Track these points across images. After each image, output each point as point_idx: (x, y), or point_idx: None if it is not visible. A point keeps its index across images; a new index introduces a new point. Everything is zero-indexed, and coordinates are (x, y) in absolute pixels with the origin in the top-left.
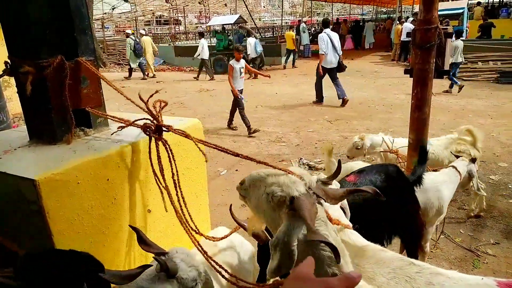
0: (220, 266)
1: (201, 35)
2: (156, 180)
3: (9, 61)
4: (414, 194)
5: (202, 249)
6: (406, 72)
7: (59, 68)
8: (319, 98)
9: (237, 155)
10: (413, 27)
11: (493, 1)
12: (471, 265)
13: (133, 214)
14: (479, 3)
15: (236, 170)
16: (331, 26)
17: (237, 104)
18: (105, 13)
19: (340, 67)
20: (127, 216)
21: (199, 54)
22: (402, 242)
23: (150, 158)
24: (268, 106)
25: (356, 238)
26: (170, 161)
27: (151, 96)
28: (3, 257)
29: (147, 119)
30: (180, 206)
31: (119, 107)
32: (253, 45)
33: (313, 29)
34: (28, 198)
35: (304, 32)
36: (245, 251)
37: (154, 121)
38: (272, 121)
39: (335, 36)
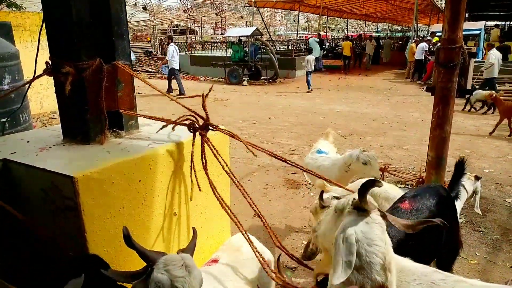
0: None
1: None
2: (191, 176)
3: (50, 61)
4: (456, 212)
5: (248, 236)
6: (428, 90)
7: (97, 70)
8: (169, 89)
9: (284, 160)
10: (428, 46)
11: (510, 24)
12: None
13: (161, 216)
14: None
15: (249, 180)
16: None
17: None
18: None
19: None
20: (155, 218)
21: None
22: (438, 262)
23: (192, 154)
24: (281, 118)
25: None
26: (215, 156)
27: (207, 95)
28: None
29: (187, 119)
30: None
31: (141, 112)
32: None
33: (327, 44)
34: (65, 194)
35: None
36: (266, 259)
37: (200, 120)
38: (285, 133)
39: (177, 49)
